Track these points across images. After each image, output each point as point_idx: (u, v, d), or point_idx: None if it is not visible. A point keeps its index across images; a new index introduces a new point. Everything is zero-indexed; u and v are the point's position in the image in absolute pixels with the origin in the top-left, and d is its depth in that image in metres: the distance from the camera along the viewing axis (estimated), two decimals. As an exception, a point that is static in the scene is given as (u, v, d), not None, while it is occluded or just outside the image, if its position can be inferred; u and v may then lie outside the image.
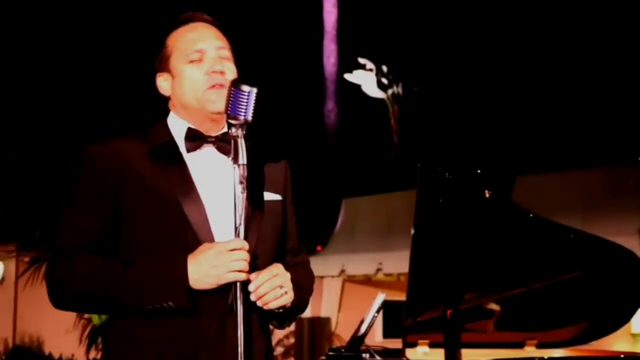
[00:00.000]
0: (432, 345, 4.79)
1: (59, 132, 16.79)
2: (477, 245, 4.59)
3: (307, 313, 15.02)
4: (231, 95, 2.67)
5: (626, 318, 4.96)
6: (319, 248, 15.26)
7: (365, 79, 19.77)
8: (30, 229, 10.85)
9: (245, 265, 2.64)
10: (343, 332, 13.44)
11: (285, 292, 2.71)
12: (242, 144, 2.67)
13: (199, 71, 2.82)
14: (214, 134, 2.84)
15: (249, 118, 2.67)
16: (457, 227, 4.36)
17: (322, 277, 15.03)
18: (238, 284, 2.63)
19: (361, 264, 14.15)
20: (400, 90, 19.86)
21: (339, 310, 14.70)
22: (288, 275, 2.73)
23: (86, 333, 10.24)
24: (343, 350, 4.49)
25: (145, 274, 2.67)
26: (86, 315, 9.61)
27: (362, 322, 4.37)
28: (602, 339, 5.07)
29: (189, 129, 2.83)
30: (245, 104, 2.66)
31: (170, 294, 2.65)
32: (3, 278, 14.46)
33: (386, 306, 4.24)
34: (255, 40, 19.95)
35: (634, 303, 4.90)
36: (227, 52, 2.87)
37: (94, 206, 2.75)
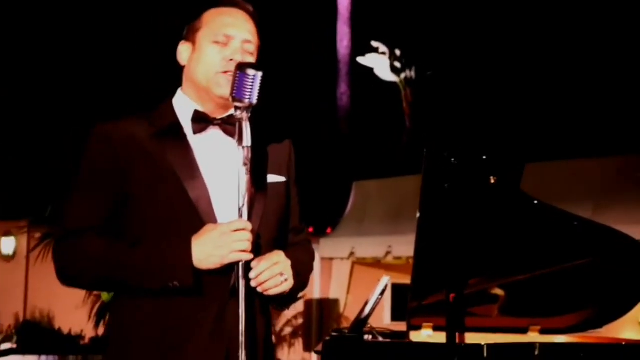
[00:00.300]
0: (436, 328, 4.81)
1: (71, 109, 16.87)
2: (481, 230, 4.61)
3: (316, 294, 15.08)
4: (236, 79, 2.71)
5: (629, 307, 4.98)
6: (329, 230, 15.30)
7: (378, 63, 19.73)
8: (42, 205, 10.91)
9: (248, 246, 2.68)
10: (352, 314, 13.46)
11: (286, 280, 2.76)
12: (246, 127, 2.71)
13: (219, 54, 2.85)
14: (219, 117, 2.88)
15: (254, 101, 2.72)
16: (462, 213, 4.38)
17: (331, 259, 15.08)
18: (241, 263, 2.68)
19: (371, 247, 14.19)
20: (413, 74, 19.83)
21: (347, 292, 14.74)
22: (289, 263, 2.79)
23: (95, 309, 10.32)
24: (346, 331, 4.54)
25: (150, 254, 2.72)
26: (95, 292, 9.70)
27: (366, 303, 4.42)
28: (609, 326, 5.10)
29: (196, 111, 2.87)
30: (250, 87, 2.71)
31: (176, 274, 2.70)
32: (15, 254, 14.54)
33: (395, 289, 4.28)
34: (269, 22, 19.94)
35: (637, 292, 4.93)
36: (252, 48, 2.90)
37: (100, 187, 2.80)
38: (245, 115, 2.72)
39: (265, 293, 2.75)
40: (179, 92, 2.94)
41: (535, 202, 4.60)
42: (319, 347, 4.52)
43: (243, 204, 2.69)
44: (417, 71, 19.86)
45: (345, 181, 15.80)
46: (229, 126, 2.82)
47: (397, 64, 19.80)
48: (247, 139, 2.70)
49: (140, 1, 19.03)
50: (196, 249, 2.70)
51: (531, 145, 16.24)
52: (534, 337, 4.90)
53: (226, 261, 2.69)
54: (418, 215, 4.42)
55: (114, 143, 2.80)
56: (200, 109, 2.88)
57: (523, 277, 4.80)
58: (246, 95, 2.70)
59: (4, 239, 14.62)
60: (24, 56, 18.26)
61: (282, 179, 2.93)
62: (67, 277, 2.82)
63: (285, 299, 2.87)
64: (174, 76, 3.08)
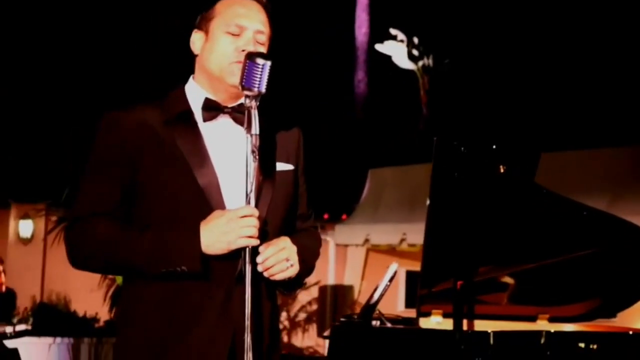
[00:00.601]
0: (446, 315, 4.84)
1: (90, 95, 16.94)
2: (490, 219, 4.64)
3: (331, 280, 15.11)
4: (246, 68, 2.76)
5: (638, 297, 5.00)
6: (344, 217, 15.31)
7: (396, 50, 19.68)
8: (60, 188, 10.97)
9: (255, 232, 2.73)
10: (366, 301, 13.51)
11: (291, 265, 2.81)
12: (255, 115, 2.76)
13: (232, 45, 2.89)
14: (230, 105, 2.93)
15: (263, 90, 2.76)
16: (471, 201, 4.41)
17: (346, 246, 15.10)
18: (247, 249, 2.72)
19: (385, 234, 14.19)
20: (430, 62, 19.79)
21: (362, 279, 14.76)
22: (294, 249, 2.83)
23: (110, 292, 10.40)
24: (355, 317, 4.58)
25: (160, 239, 2.78)
26: (110, 276, 9.78)
27: (375, 290, 4.46)
28: (624, 316, 5.11)
29: (207, 98, 2.92)
30: (259, 76, 2.76)
31: (184, 259, 2.76)
32: (33, 236, 14.62)
33: (409, 276, 4.33)
34: (287, 7, 19.96)
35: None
36: (264, 38, 2.94)
37: (110, 173, 2.85)
38: (254, 104, 2.77)
39: (271, 278, 2.80)
40: (191, 80, 2.99)
41: (544, 191, 4.62)
42: (327, 333, 4.57)
43: (251, 191, 2.74)
44: (435, 59, 19.81)
45: (361, 168, 15.80)
46: (239, 114, 2.87)
47: (415, 52, 19.75)
48: (256, 127, 2.74)
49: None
50: (204, 235, 2.75)
51: (547, 134, 16.20)
52: (542, 325, 4.92)
53: (233, 246, 2.74)
54: (428, 202, 4.46)
55: (125, 130, 2.85)
56: (211, 97, 2.93)
57: (532, 265, 4.83)
58: (255, 84, 2.75)
59: (21, 221, 14.70)
60: (45, 44, 18.35)
61: (290, 167, 2.97)
62: (78, 260, 2.88)
63: (291, 284, 2.91)
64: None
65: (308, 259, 2.96)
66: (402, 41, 19.66)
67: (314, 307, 14.61)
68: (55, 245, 10.25)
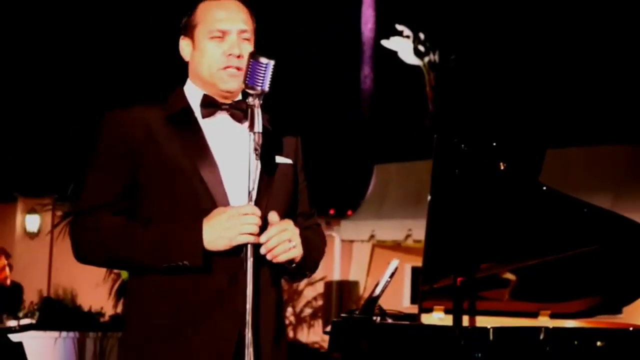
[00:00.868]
0: (448, 311, 4.87)
1: (94, 91, 16.98)
2: (491, 216, 4.67)
3: (336, 276, 15.15)
4: (249, 67, 2.81)
5: (638, 295, 5.02)
6: (349, 213, 15.34)
7: (402, 46, 19.68)
8: (66, 183, 11.02)
9: (255, 229, 2.78)
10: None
11: (294, 246, 2.85)
12: (258, 113, 2.81)
13: (218, 49, 2.94)
14: (227, 102, 2.98)
15: (266, 88, 2.82)
16: (472, 198, 4.44)
17: (352, 242, 15.14)
18: (249, 246, 2.77)
19: (391, 230, 14.23)
20: (436, 58, 19.78)
21: (367, 275, 14.80)
22: (297, 230, 2.87)
23: (115, 287, 10.47)
24: (357, 312, 4.61)
25: (163, 234, 2.83)
26: (116, 270, 9.83)
27: (376, 286, 4.50)
28: (630, 313, 5.13)
29: (205, 95, 2.98)
30: (262, 75, 2.81)
31: (186, 254, 2.81)
32: (39, 231, 14.68)
33: (414, 272, 4.36)
34: (293, 3, 19.98)
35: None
36: (248, 35, 2.98)
37: (114, 170, 2.90)
38: (257, 102, 2.82)
39: (275, 260, 2.84)
40: (188, 81, 3.05)
41: (544, 188, 4.65)
42: (328, 328, 4.60)
43: (253, 188, 2.79)
44: (441, 55, 19.81)
45: (367, 164, 15.82)
46: (237, 111, 2.93)
47: (421, 48, 19.75)
48: (259, 125, 2.79)
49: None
50: (206, 231, 2.80)
51: (552, 131, 16.21)
52: (544, 321, 4.95)
53: (234, 243, 2.79)
54: (429, 198, 4.49)
55: (127, 126, 2.90)
56: (209, 94, 2.99)
57: (533, 262, 4.86)
58: (258, 82, 2.81)
59: (28, 216, 14.76)
60: (46, 44, 18.39)
61: (289, 160, 3.03)
62: (81, 254, 2.93)
63: (295, 270, 2.95)
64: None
65: (313, 252, 3.00)
66: (408, 37, 19.66)
67: (320, 302, 14.66)
68: (61, 239, 10.32)
